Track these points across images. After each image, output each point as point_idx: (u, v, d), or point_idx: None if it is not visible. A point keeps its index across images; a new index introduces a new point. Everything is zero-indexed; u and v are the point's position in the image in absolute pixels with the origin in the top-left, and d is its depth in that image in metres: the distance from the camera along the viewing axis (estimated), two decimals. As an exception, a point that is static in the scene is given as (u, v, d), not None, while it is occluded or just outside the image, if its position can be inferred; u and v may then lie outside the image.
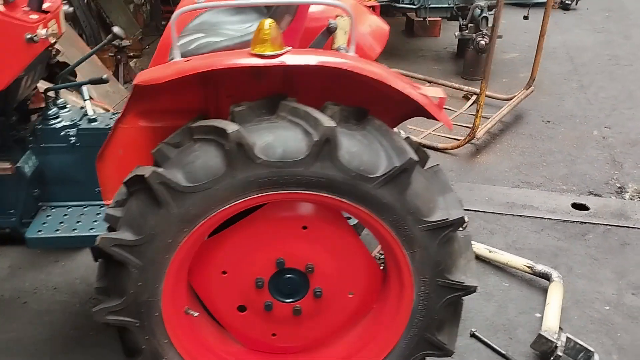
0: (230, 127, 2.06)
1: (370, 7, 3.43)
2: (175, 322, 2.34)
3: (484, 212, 4.44)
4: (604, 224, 4.31)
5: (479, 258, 3.87)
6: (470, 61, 7.11)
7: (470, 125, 5.33)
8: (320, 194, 2.16)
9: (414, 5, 7.33)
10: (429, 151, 5.33)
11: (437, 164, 2.43)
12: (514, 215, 4.41)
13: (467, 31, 7.03)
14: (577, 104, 6.43)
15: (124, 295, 2.22)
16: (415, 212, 2.23)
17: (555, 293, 3.42)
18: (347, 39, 2.91)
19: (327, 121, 2.09)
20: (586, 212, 4.47)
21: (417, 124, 5.75)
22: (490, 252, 3.83)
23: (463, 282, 2.38)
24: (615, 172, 5.04)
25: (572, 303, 3.54)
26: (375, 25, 3.32)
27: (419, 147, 2.35)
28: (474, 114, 5.79)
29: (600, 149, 5.46)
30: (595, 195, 4.72)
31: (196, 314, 2.38)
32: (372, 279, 2.51)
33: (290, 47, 2.17)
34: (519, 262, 3.73)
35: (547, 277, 3.59)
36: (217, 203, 2.12)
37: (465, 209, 4.37)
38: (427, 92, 2.24)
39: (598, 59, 7.90)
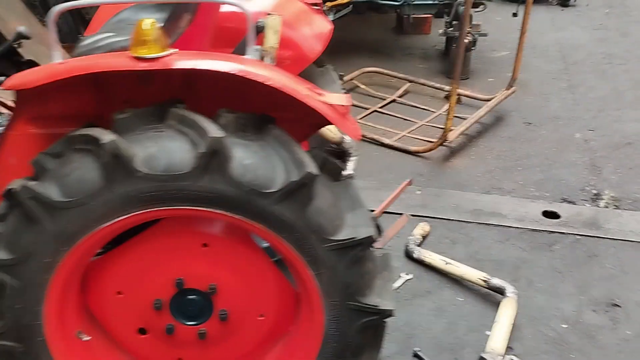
0: (106, 136, 1.88)
1: (313, 4, 3.24)
2: (65, 347, 2.17)
3: (449, 219, 4.23)
4: (573, 234, 4.09)
5: (435, 270, 3.67)
6: (454, 60, 6.87)
7: (453, 127, 5.12)
8: (212, 210, 1.98)
9: (397, 2, 7.10)
10: (401, 155, 5.23)
11: (350, 176, 2.23)
12: (479, 223, 4.20)
13: (451, 29, 6.80)
14: (563, 105, 6.18)
15: (3, 319, 2.05)
16: (319, 231, 2.04)
17: (507, 310, 3.21)
18: (278, 39, 2.73)
19: (214, 131, 1.90)
20: (557, 220, 4.25)
21: (393, 126, 5.56)
22: (446, 264, 3.64)
23: (377, 306, 2.19)
24: (593, 178, 4.80)
25: (528, 320, 3.33)
26: (317, 24, 3.13)
27: (327, 159, 2.15)
28: (456, 115, 5.61)
29: (580, 152, 5.22)
30: (568, 202, 4.49)
31: (87, 338, 2.20)
32: (284, 300, 2.32)
33: (176, 49, 1.98)
34: (474, 275, 3.52)
35: (501, 291, 3.39)
36: (97, 220, 1.95)
37: (428, 217, 4.22)
38: (331, 100, 2.04)
39: (591, 58, 7.62)
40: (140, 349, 2.33)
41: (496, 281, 3.43)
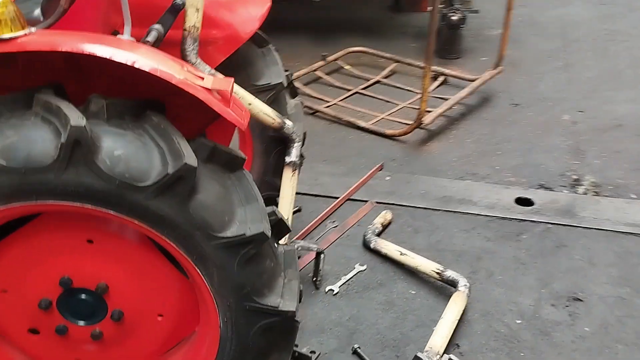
0: (-40, 127, 1.73)
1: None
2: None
3: (415, 207, 4.04)
4: (544, 222, 3.87)
5: (392, 261, 3.50)
6: (444, 39, 6.61)
7: (432, 109, 4.91)
8: (83, 205, 1.83)
9: (385, -23, 6.83)
10: (376, 139, 5.02)
11: (243, 170, 2.05)
12: (446, 211, 4.00)
13: (442, 6, 6.52)
14: (555, 85, 5.89)
15: None
16: (204, 227, 1.88)
17: (455, 305, 3.03)
18: (199, 17, 2.55)
19: (76, 119, 1.74)
20: (529, 208, 4.03)
21: (374, 108, 5.34)
22: (401, 254, 3.45)
23: (277, 307, 2.03)
24: (575, 163, 4.55)
25: (481, 315, 3.14)
26: (252, 2, 2.94)
27: (216, 148, 1.97)
28: (440, 97, 5.38)
29: (565, 135, 4.95)
30: (545, 188, 4.26)
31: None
32: (185, 300, 2.17)
33: (34, 29, 1.82)
34: (429, 266, 3.34)
35: (454, 284, 3.20)
36: (-42, 215, 1.81)
37: (394, 204, 4.03)
38: (210, 83, 1.86)
39: (593, 34, 7.26)
40: (34, 350, 2.21)
41: (450, 273, 3.24)
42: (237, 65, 3.02)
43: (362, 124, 5.05)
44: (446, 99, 5.30)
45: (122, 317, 2.14)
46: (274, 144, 3.16)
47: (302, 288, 2.23)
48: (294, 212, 3.92)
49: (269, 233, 1.95)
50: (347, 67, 6.15)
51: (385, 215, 3.84)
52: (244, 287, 1.98)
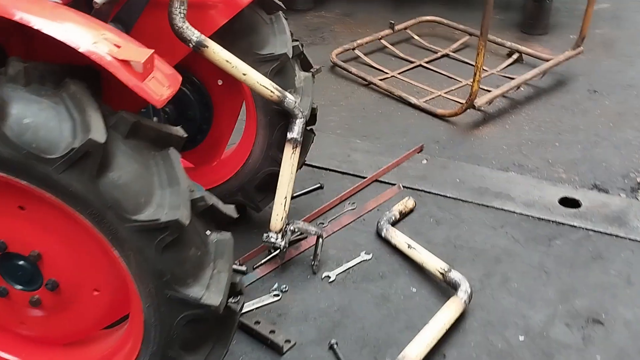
0: None
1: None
2: None
3: (444, 196, 3.73)
4: (586, 228, 3.44)
5: (400, 253, 3.25)
6: (529, 12, 6.05)
7: (493, 89, 4.53)
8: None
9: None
10: (425, 117, 4.68)
11: (170, 149, 1.89)
12: (478, 204, 3.66)
13: (529, -26, 5.96)
14: (647, 72, 5.23)
15: None
16: (116, 207, 1.77)
17: (447, 311, 2.75)
18: None
19: (-19, 84, 1.67)
20: (573, 210, 3.60)
21: (432, 84, 5.00)
22: (409, 247, 3.20)
23: (199, 299, 1.89)
24: (644, 163, 4.02)
25: (480, 325, 2.85)
26: None
27: (140, 124, 1.82)
28: (508, 76, 4.97)
29: (641, 130, 4.38)
30: (599, 189, 3.79)
31: None
32: (121, 278, 2.08)
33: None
34: (434, 264, 3.06)
35: (455, 288, 2.91)
36: None
37: (423, 190, 3.74)
38: (126, 54, 1.70)
39: None
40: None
41: (454, 275, 2.96)
42: (240, 31, 2.85)
43: (413, 100, 4.73)
44: (513, 79, 4.85)
45: (58, 287, 2.09)
46: (278, 117, 2.98)
47: (239, 281, 2.08)
48: (315, 189, 3.78)
49: (186, 220, 1.80)
50: (416, 37, 5.79)
51: (406, 202, 3.57)
52: (163, 274, 1.86)
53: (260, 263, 3.21)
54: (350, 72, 5.12)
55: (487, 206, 3.65)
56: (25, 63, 1.76)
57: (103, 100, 1.85)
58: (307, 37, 5.90)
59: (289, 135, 2.96)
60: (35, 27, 1.66)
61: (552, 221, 3.51)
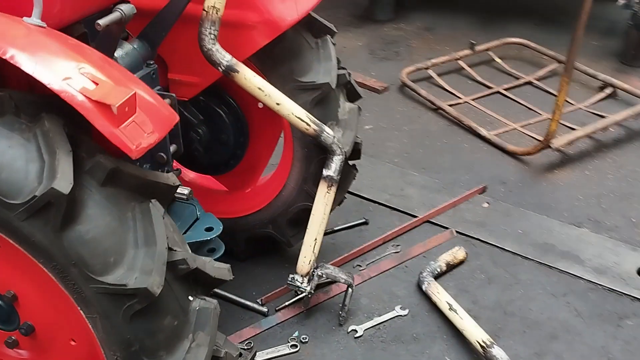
0: None
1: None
2: None
3: (501, 249, 3.32)
4: (665, 310, 2.95)
5: (440, 312, 2.89)
6: (631, 41, 5.44)
7: (577, 128, 4.07)
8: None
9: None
10: (496, 153, 4.24)
11: (152, 200, 1.63)
12: (540, 263, 3.23)
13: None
14: None
15: None
16: (80, 265, 1.54)
17: (479, 399, 2.37)
18: None
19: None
20: (653, 284, 3.10)
21: (509, 114, 4.56)
22: (450, 308, 2.83)
23: (171, 376, 1.64)
24: None
25: (519, 418, 2.45)
26: None
27: (117, 170, 1.57)
28: (597, 113, 4.47)
29: None
30: (687, 262, 3.26)
31: None
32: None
33: None
34: (475, 334, 2.68)
35: (496, 369, 2.53)
36: None
37: (478, 239, 3.35)
38: (98, 95, 1.45)
39: None
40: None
41: (496, 352, 2.57)
42: (281, 55, 2.58)
43: (483, 132, 4.31)
44: (602, 117, 4.34)
45: (34, 332, 1.90)
46: (316, 151, 2.69)
47: (225, 356, 1.80)
48: (359, 224, 3.47)
49: (157, 289, 1.54)
50: (498, 60, 5.33)
51: (456, 253, 3.20)
52: (131, 344, 1.62)
53: (282, 305, 2.94)
54: (419, 94, 4.75)
55: (550, 267, 3.21)
56: (1, 92, 1.55)
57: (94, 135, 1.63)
58: (381, 51, 5.57)
59: (325, 173, 2.66)
60: (4, 57, 1.45)
61: (627, 295, 3.04)
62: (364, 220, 3.49)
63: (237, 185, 3.14)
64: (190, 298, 1.70)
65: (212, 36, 2.31)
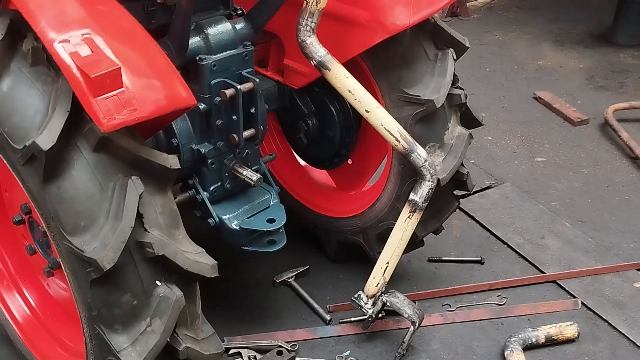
0: None
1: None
2: None
3: (633, 343, 2.72)
4: None
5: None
6: None
7: None
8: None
9: None
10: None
11: (134, 177, 1.61)
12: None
13: None
14: None
15: None
16: (55, 219, 1.61)
17: None
18: None
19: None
20: None
21: None
22: (519, 388, 2.41)
23: (118, 351, 1.67)
24: None
25: None
26: None
27: (107, 139, 1.58)
28: None
29: None
30: None
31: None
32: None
33: None
34: None
35: None
36: None
37: (603, 319, 2.83)
38: (91, 62, 1.45)
39: None
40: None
41: None
42: (393, 59, 2.41)
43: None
44: None
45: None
46: (412, 170, 2.47)
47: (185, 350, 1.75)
48: (472, 261, 3.14)
49: (107, 264, 1.56)
50: None
51: (565, 328, 2.70)
52: (91, 308, 1.67)
53: (346, 320, 2.79)
54: (620, 136, 4.06)
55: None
56: (38, 43, 1.67)
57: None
58: (601, 79, 4.86)
59: (411, 196, 2.43)
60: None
61: None
62: (479, 258, 3.13)
63: (344, 185, 3.03)
64: (158, 283, 1.68)
65: (309, 28, 2.22)
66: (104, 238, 1.57)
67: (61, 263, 1.71)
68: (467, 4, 5.89)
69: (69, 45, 1.52)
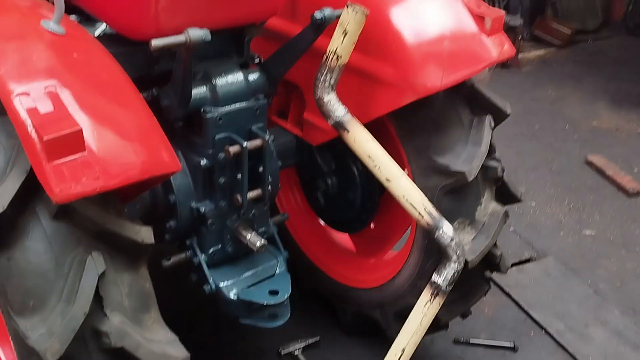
0: None
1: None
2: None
3: None
4: None
5: None
6: None
7: None
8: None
9: None
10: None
11: (94, 253, 1.37)
12: None
13: None
14: None
15: None
16: (3, 296, 1.40)
17: None
18: (350, 44, 1.87)
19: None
20: None
21: None
22: None
23: None
24: None
25: None
26: (465, 40, 2.02)
27: (68, 208, 1.36)
28: None
29: None
30: None
31: None
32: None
33: None
34: None
35: None
36: None
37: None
38: (48, 121, 1.24)
39: None
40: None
41: None
42: (423, 123, 2.15)
43: None
44: None
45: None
46: (437, 247, 2.17)
47: None
48: (504, 348, 2.79)
49: (52, 357, 1.32)
50: None
51: None
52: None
53: (354, 406, 2.48)
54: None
55: None
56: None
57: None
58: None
59: (433, 277, 2.12)
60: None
61: None
62: (512, 345, 2.78)
63: (364, 251, 2.75)
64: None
65: (327, 84, 1.98)
66: (52, 324, 1.34)
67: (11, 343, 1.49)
68: (520, 55, 5.60)
69: (27, 99, 1.31)
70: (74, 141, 1.27)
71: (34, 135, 1.27)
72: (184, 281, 2.23)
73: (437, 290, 2.12)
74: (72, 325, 1.33)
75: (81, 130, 1.27)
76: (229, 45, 2.10)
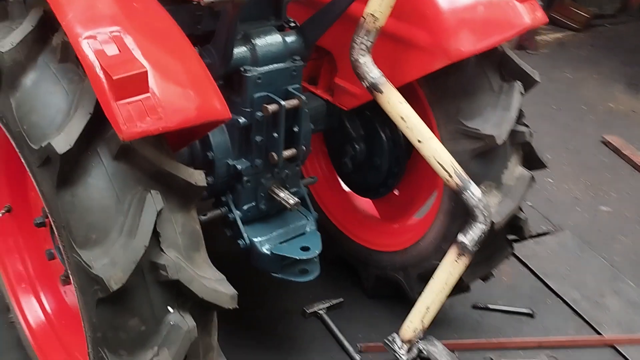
0: None
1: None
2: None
3: None
4: None
5: None
6: None
7: None
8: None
9: None
10: None
11: (153, 191, 1.46)
12: None
13: None
14: None
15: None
16: (66, 229, 1.48)
17: None
18: (385, 6, 1.94)
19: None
20: None
21: None
22: None
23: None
24: None
25: None
26: (499, 8, 2.08)
27: (129, 147, 1.44)
28: None
29: None
30: None
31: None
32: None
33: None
34: None
35: None
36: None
37: None
38: (115, 62, 1.32)
39: None
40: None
41: None
42: (454, 88, 2.21)
43: None
44: None
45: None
46: (465, 209, 2.25)
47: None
48: (522, 314, 2.87)
49: (114, 284, 1.41)
50: None
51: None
52: (96, 329, 1.52)
53: (377, 363, 2.58)
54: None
55: None
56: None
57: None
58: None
59: (459, 237, 2.20)
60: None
61: None
62: (529, 311, 2.87)
63: (388, 216, 2.83)
64: (170, 310, 1.52)
65: (364, 47, 2.05)
66: (115, 255, 1.43)
67: (70, 275, 1.58)
68: (537, 37, 5.64)
69: (95, 42, 1.39)
70: (140, 82, 1.35)
71: (102, 75, 1.35)
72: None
73: (463, 250, 2.20)
74: (134, 256, 1.42)
75: (146, 72, 1.35)
76: (268, 8, 2.17)
